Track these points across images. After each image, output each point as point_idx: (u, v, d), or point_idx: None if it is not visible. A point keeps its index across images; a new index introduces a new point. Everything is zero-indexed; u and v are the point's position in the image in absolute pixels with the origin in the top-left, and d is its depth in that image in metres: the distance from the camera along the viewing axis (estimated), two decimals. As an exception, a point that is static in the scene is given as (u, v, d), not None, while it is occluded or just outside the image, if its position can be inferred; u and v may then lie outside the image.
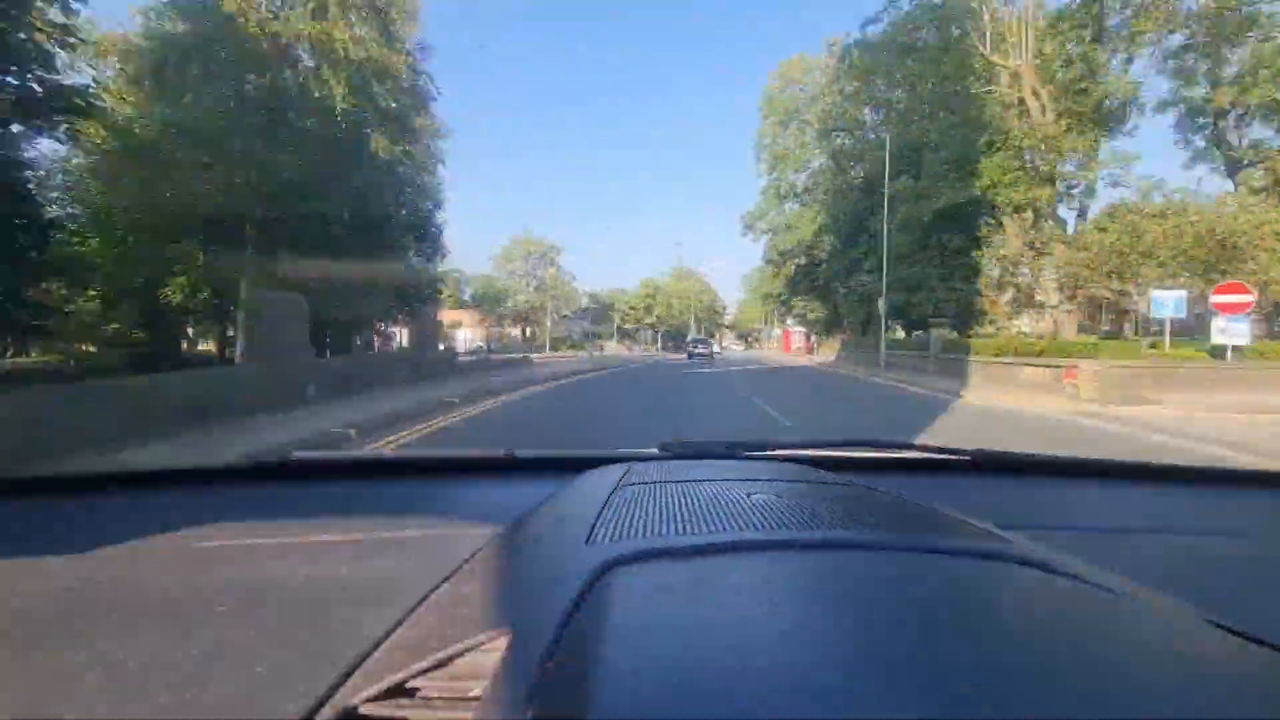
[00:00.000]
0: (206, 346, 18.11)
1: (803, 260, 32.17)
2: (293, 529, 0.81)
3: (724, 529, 0.54)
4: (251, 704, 0.42)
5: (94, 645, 0.50)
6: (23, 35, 7.59)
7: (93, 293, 12.75)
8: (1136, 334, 20.57)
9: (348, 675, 0.44)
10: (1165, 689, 0.32)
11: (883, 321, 20.48)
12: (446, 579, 0.60)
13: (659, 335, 61.75)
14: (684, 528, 0.55)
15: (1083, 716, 0.28)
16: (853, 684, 0.30)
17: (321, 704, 0.41)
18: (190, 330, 17.50)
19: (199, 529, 0.80)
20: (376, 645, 0.48)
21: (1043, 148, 16.51)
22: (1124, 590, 0.47)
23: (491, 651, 0.39)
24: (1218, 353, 12.15)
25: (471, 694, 0.35)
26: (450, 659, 0.41)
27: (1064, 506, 1.13)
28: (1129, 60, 18.11)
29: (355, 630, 0.50)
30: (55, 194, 12.59)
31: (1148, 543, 0.93)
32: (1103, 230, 16.49)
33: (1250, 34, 16.09)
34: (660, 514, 0.59)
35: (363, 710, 0.40)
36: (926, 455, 1.26)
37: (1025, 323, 20.88)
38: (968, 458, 1.22)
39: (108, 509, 0.90)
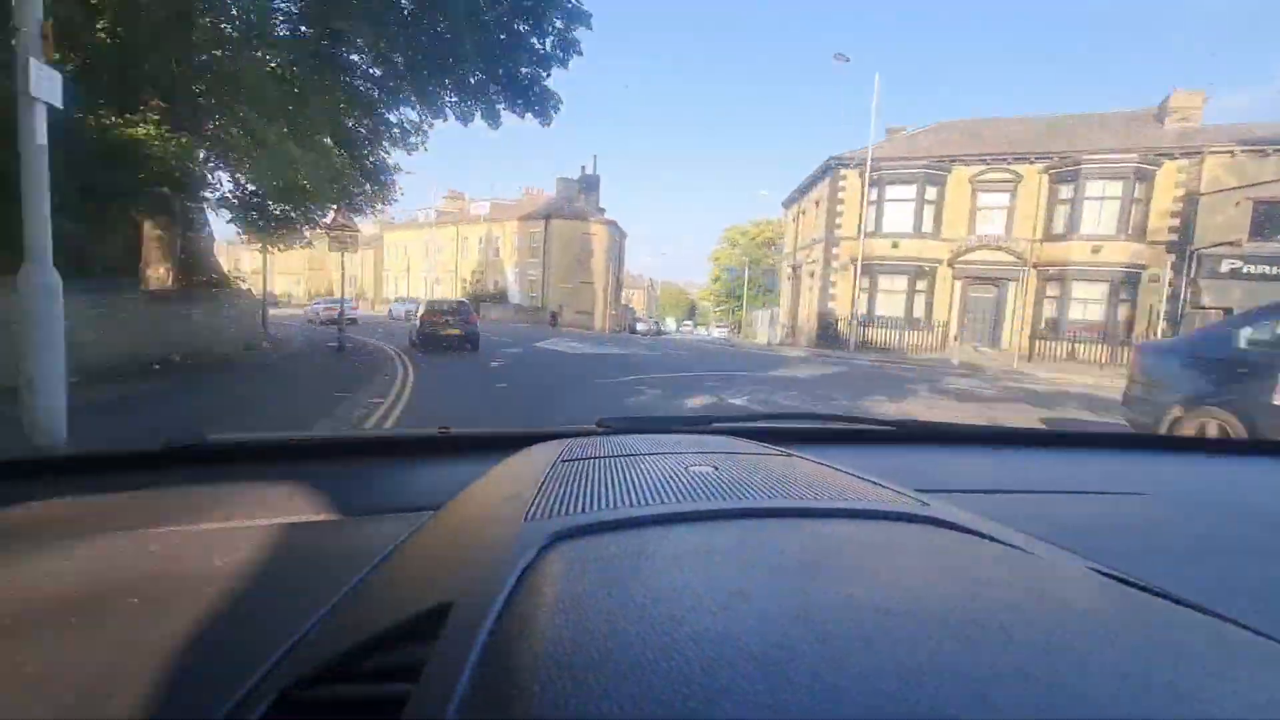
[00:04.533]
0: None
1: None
2: (212, 514, 0.79)
3: (662, 501, 0.54)
4: (177, 696, 0.41)
5: None
6: None
7: None
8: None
9: (280, 660, 0.43)
10: (1062, 639, 0.33)
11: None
12: (380, 561, 0.59)
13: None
14: (623, 501, 0.55)
15: (991, 668, 0.30)
16: (786, 644, 0.31)
17: (253, 690, 0.40)
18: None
19: (107, 517, 0.77)
20: (308, 629, 0.47)
21: None
22: (1029, 547, 0.50)
23: (430, 628, 0.38)
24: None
25: (410, 668, 0.35)
26: (387, 636, 0.40)
27: (980, 471, 1.17)
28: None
29: (285, 615, 0.49)
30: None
31: (1057, 503, 1.00)
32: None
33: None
34: (598, 488, 0.59)
35: (297, 693, 0.39)
36: (853, 426, 1.31)
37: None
38: (891, 427, 1.30)
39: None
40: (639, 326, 44.27)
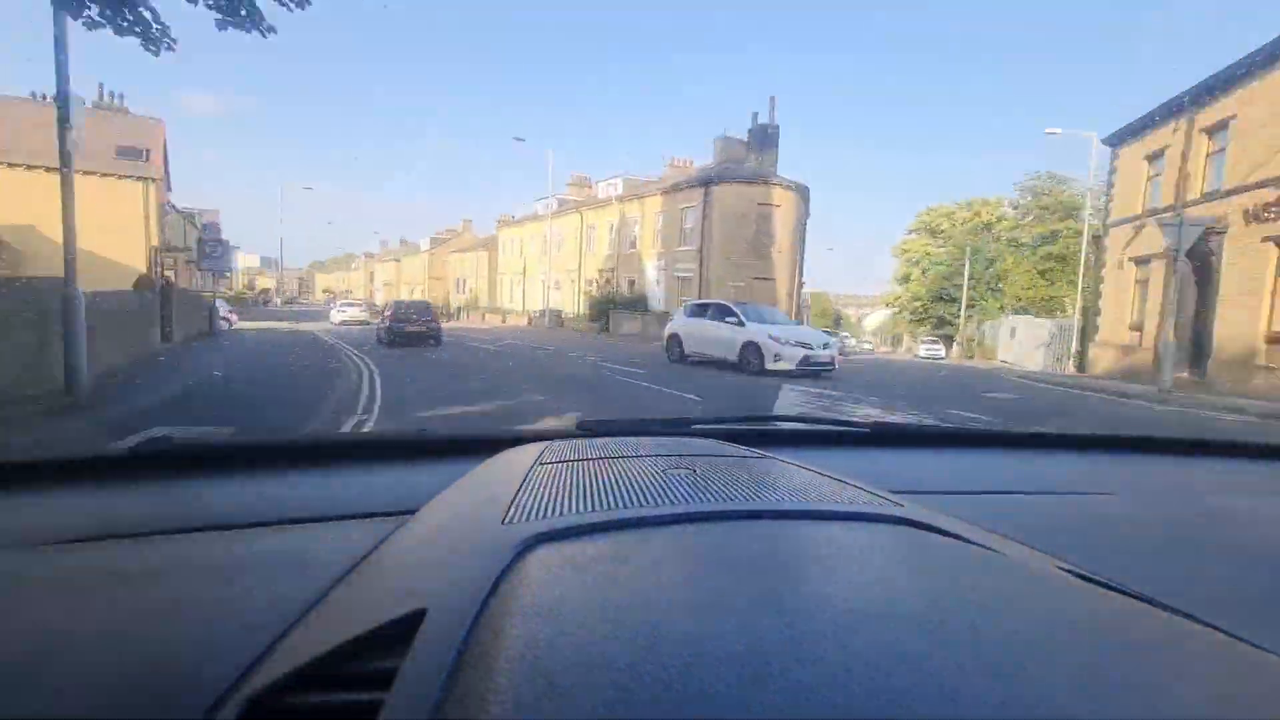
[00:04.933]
0: None
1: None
2: (181, 519, 0.78)
3: (640, 504, 0.55)
4: (148, 703, 0.41)
5: None
6: None
7: None
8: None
9: (253, 665, 0.43)
10: (1029, 637, 0.35)
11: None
12: (356, 564, 0.58)
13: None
14: (601, 504, 0.55)
15: (960, 667, 0.31)
16: (761, 645, 0.32)
17: (227, 694, 0.40)
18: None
19: (73, 524, 0.76)
20: (282, 634, 0.47)
21: None
22: (1000, 547, 0.52)
23: (407, 631, 0.38)
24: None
25: (385, 675, 0.35)
26: (362, 641, 0.40)
27: (954, 472, 1.20)
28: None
29: (259, 621, 0.49)
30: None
31: (1028, 503, 1.00)
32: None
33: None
34: (577, 491, 0.60)
35: (268, 700, 0.38)
36: (830, 428, 1.33)
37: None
38: (865, 429, 1.34)
39: None
40: None
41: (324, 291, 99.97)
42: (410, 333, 16.07)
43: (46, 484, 0.89)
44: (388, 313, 17.17)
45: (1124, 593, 0.45)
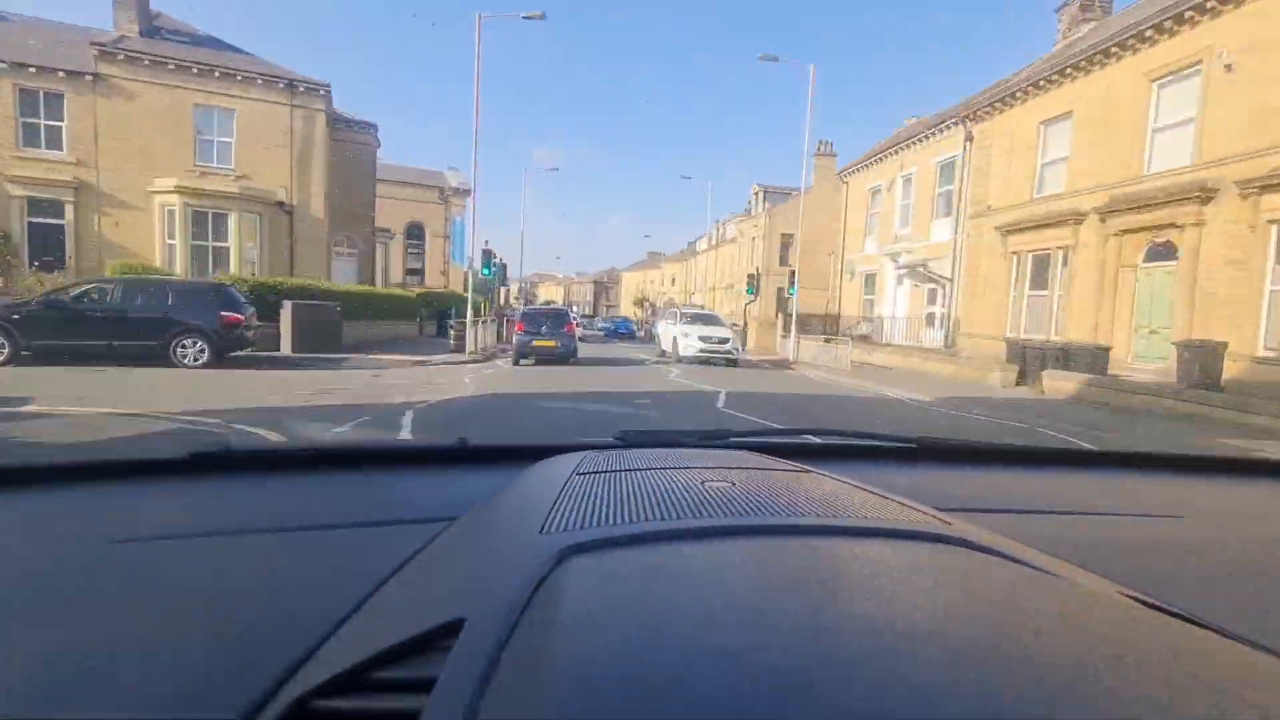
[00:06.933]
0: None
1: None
2: (234, 522, 0.80)
3: (678, 516, 0.54)
4: (193, 701, 0.41)
5: (12, 647, 0.48)
6: None
7: None
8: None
9: (296, 668, 0.43)
10: (1088, 665, 0.33)
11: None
12: (397, 570, 0.60)
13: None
14: (639, 515, 0.54)
15: (1013, 694, 0.29)
16: (802, 663, 0.31)
17: (269, 697, 0.40)
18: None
19: (132, 524, 0.78)
20: (325, 637, 0.47)
21: None
22: (1054, 570, 0.49)
23: (445, 640, 0.38)
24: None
25: (424, 682, 0.35)
26: (402, 647, 0.40)
27: (1004, 490, 1.16)
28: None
29: (303, 624, 0.50)
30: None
31: (1085, 524, 0.95)
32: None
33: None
34: (615, 502, 0.59)
35: (311, 702, 0.39)
36: (873, 443, 1.30)
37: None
38: (912, 444, 1.29)
39: (27, 504, 0.84)
40: None
41: (635, 304, 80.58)
42: (538, 347, 14.67)
43: (108, 484, 0.91)
44: (519, 322, 15.56)
45: (1191, 620, 0.42)
